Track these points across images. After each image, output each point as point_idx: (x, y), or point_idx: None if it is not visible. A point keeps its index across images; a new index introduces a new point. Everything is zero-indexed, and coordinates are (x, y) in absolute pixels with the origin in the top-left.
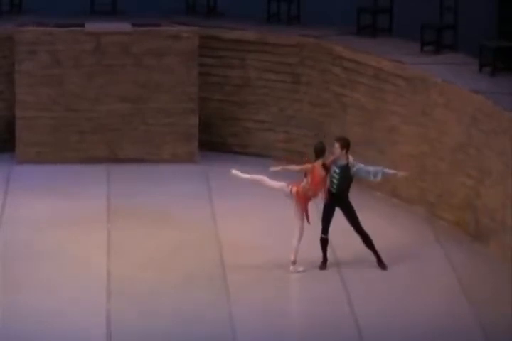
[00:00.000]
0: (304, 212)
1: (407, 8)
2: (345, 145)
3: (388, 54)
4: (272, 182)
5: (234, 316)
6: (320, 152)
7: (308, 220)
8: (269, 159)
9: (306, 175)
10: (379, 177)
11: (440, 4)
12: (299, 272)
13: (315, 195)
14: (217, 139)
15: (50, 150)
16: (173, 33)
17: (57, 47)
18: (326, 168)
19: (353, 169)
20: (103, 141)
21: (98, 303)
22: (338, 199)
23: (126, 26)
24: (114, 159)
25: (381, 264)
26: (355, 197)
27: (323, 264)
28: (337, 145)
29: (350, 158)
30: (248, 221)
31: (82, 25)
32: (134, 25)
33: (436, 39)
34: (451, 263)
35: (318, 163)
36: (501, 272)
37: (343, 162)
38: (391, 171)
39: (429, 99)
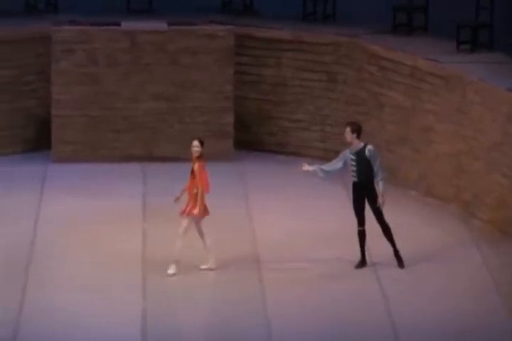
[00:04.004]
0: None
1: (443, 6)
2: (356, 129)
3: (424, 52)
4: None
5: (269, 315)
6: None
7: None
8: (306, 158)
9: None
10: (377, 180)
11: (476, 3)
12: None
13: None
14: (253, 138)
15: (86, 149)
16: (208, 31)
17: (93, 45)
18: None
19: (367, 153)
20: (139, 139)
21: (134, 302)
22: (362, 188)
23: (162, 25)
24: (150, 157)
25: (398, 259)
26: (389, 196)
27: (361, 263)
28: (348, 129)
29: (366, 144)
30: (284, 220)
31: (118, 24)
32: (169, 24)
33: (472, 38)
34: (486, 262)
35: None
36: None
37: (356, 148)
38: (381, 188)
39: (464, 98)
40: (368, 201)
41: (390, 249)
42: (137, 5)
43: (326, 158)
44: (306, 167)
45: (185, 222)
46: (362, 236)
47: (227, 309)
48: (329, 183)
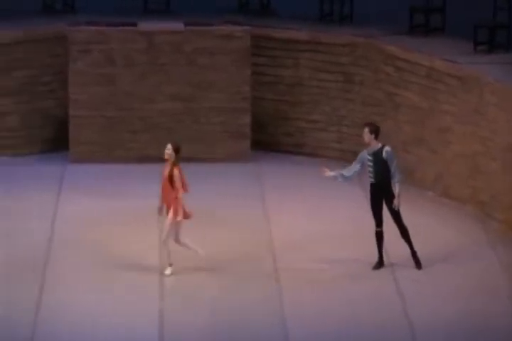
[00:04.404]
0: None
1: (460, 7)
2: (374, 129)
3: (441, 53)
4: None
5: (286, 316)
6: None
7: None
8: (322, 159)
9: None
10: (394, 181)
11: (494, 3)
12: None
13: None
14: (269, 138)
15: (103, 149)
16: (225, 32)
17: (110, 46)
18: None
19: (384, 155)
20: (155, 140)
21: (150, 303)
22: (379, 188)
23: (178, 25)
24: None
25: (416, 260)
26: (407, 197)
27: (378, 264)
28: (366, 129)
29: (384, 145)
30: (301, 220)
31: (135, 25)
32: (186, 24)
33: (490, 38)
34: (501, 263)
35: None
36: None
37: (373, 149)
38: (397, 190)
39: (481, 99)
40: (385, 202)
41: (408, 250)
42: (154, 5)
43: (343, 159)
44: (328, 173)
45: (170, 226)
46: (380, 237)
47: (244, 309)
48: (347, 184)
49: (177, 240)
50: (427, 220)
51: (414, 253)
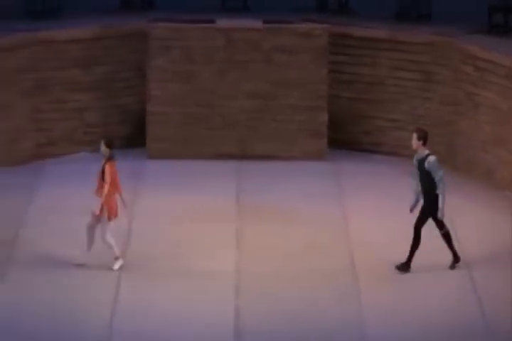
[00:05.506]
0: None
1: None
2: (423, 136)
3: None
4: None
5: (364, 315)
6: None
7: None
8: (401, 158)
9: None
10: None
11: None
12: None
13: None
14: (347, 137)
15: (181, 146)
16: (303, 30)
17: (189, 43)
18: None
19: (426, 165)
20: (233, 137)
21: (226, 301)
22: (425, 195)
23: (257, 23)
24: (244, 155)
25: (404, 267)
26: (485, 197)
27: (454, 263)
28: (414, 135)
29: (429, 154)
30: (379, 220)
31: (213, 22)
32: (264, 21)
33: None
34: None
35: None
36: None
37: (420, 155)
38: (441, 202)
39: None
40: (430, 211)
41: (484, 249)
42: (232, 2)
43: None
44: (414, 207)
45: (111, 223)
46: (446, 237)
47: (321, 308)
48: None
49: (102, 237)
50: (505, 220)
51: (409, 259)
